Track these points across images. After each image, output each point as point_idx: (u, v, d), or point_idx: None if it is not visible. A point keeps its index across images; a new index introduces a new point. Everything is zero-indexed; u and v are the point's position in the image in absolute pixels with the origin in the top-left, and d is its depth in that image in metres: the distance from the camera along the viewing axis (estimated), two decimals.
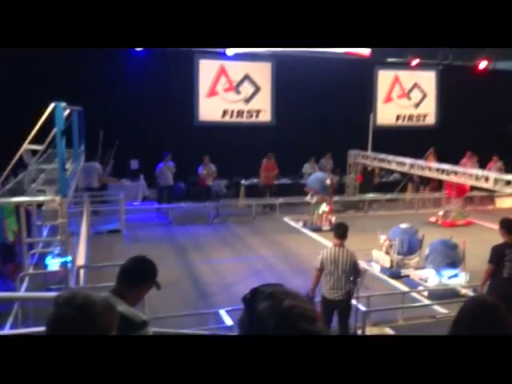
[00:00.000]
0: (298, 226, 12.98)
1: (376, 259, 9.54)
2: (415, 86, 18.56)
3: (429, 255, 8.58)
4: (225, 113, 16.51)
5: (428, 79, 18.67)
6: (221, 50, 15.41)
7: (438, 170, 11.81)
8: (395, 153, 13.80)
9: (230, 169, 14.89)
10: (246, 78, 16.60)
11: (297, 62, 15.44)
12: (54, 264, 7.53)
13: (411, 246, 9.28)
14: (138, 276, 3.01)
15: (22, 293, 6.14)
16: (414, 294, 8.06)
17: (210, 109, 16.33)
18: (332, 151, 16.11)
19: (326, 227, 12.24)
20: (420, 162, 12.60)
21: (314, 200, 12.82)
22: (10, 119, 12.87)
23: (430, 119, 18.85)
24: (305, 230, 12.55)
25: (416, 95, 18.63)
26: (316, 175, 13.26)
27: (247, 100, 16.71)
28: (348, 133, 15.77)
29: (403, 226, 9.54)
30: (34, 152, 7.35)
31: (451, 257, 8.34)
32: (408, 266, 9.28)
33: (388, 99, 18.34)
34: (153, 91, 14.98)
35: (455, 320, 2.23)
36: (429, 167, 12.13)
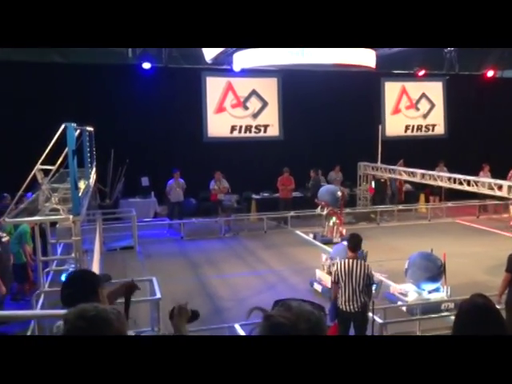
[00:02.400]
0: (310, 238, 12.93)
1: (319, 279, 8.96)
2: (423, 96, 18.58)
3: (408, 269, 8.10)
4: (233, 128, 16.62)
5: (435, 89, 18.68)
6: (227, 66, 15.56)
7: (449, 179, 11.76)
8: (405, 163, 13.79)
9: (241, 184, 14.91)
10: (253, 93, 16.73)
11: (303, 76, 15.53)
12: None
13: None
14: (88, 290, 2.60)
15: (38, 311, 6.16)
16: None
17: (219, 125, 16.44)
18: (341, 163, 16.12)
19: (336, 239, 12.17)
20: (431, 172, 12.55)
21: (325, 212, 12.72)
22: (21, 140, 13.08)
23: (440, 129, 18.81)
24: (317, 243, 12.49)
25: (424, 105, 18.64)
26: (327, 187, 13.16)
27: (255, 115, 16.81)
28: (357, 145, 15.81)
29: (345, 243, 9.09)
30: (46, 172, 7.43)
31: (431, 270, 7.81)
32: None
33: (396, 110, 18.36)
34: (161, 109, 15.14)
35: (455, 322, 2.38)
36: (441, 177, 12.07)
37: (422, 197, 16.42)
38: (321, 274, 8.95)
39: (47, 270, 8.12)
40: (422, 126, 18.72)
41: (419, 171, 12.92)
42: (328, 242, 12.27)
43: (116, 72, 15.34)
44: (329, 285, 8.39)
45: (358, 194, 15.68)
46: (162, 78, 15.36)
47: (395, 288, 8.46)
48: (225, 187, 14.15)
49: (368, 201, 15.45)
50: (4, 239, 7.73)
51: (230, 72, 15.75)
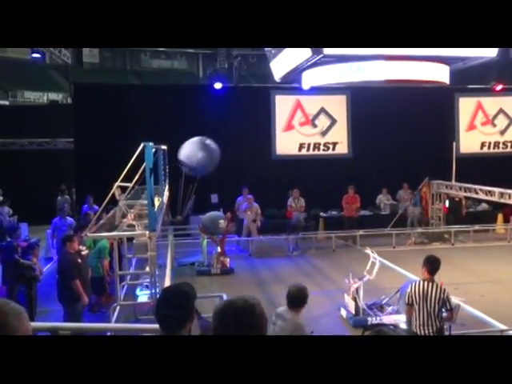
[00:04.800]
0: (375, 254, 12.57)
1: (346, 304, 8.54)
2: (500, 111, 17.76)
3: (399, 299, 7.58)
4: (301, 146, 16.63)
5: None
6: (296, 84, 15.66)
7: None
8: (481, 182, 13.19)
9: (308, 201, 14.83)
10: (322, 111, 16.70)
11: (372, 93, 15.35)
12: (143, 295, 7.84)
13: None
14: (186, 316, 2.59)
15: (114, 324, 6.40)
16: None
17: (287, 143, 16.52)
18: (412, 182, 15.65)
19: (216, 270, 11.29)
20: (510, 191, 11.89)
21: (204, 240, 11.78)
22: (101, 158, 13.79)
23: None
24: (389, 264, 12.05)
25: (501, 121, 17.80)
26: (211, 214, 11.86)
27: (323, 133, 16.75)
28: (429, 162, 15.33)
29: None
30: (123, 189, 7.77)
31: None
32: (384, 311, 8.18)
33: (471, 127, 17.65)
34: (231, 127, 15.42)
35: None
36: None
37: (501, 217, 15.58)
38: (347, 298, 8.53)
39: (123, 283, 8.44)
40: (499, 142, 17.86)
41: (497, 190, 12.29)
42: (205, 272, 11.32)
43: (188, 92, 15.87)
44: (353, 311, 8.21)
45: (431, 213, 15.13)
46: (232, 97, 15.68)
47: (388, 319, 7.96)
48: (302, 206, 14.17)
49: (441, 220, 14.87)
50: (83, 252, 8.12)
51: (298, 90, 15.82)
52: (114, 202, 7.82)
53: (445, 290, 5.83)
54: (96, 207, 12.44)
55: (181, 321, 2.53)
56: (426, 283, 5.82)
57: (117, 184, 6.72)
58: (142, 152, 6.57)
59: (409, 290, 5.92)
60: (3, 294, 7.71)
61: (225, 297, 7.15)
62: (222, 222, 11.39)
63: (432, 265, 5.86)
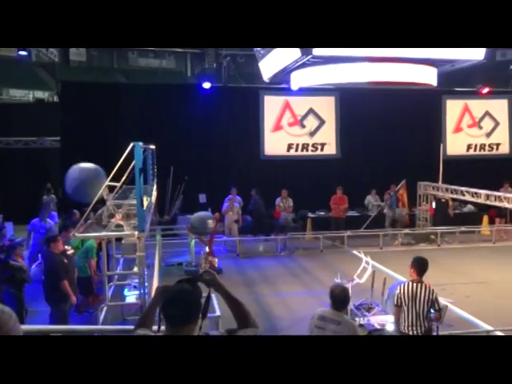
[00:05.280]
0: (367, 258, 12.63)
1: None
2: (486, 114, 17.96)
3: (387, 299, 7.68)
4: (290, 147, 16.65)
5: (500, 107, 18.02)
6: (285, 85, 15.68)
7: None
8: (467, 183, 13.33)
9: (296, 202, 14.86)
10: (311, 111, 16.73)
11: (360, 94, 15.43)
12: (131, 296, 7.78)
13: None
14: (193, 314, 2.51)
15: (104, 326, 6.35)
16: (500, 334, 7.54)
17: (275, 143, 16.52)
18: (399, 183, 15.76)
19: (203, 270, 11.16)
20: (496, 193, 12.03)
21: (192, 240, 11.74)
22: (87, 157, 13.63)
23: (504, 148, 18.08)
24: (377, 264, 12.11)
25: (487, 124, 18.01)
26: (200, 214, 11.79)
27: (312, 133, 16.79)
28: (416, 164, 15.45)
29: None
30: (111, 188, 7.69)
31: None
32: (371, 311, 8.27)
33: (457, 129, 17.83)
34: (220, 127, 15.40)
35: None
36: (507, 198, 11.55)
37: (486, 218, 15.75)
38: None
39: (110, 284, 8.37)
40: (485, 144, 18.07)
41: (483, 192, 12.42)
42: (193, 273, 10.94)
43: (176, 91, 15.80)
44: None
45: (418, 214, 15.25)
46: (221, 97, 15.65)
47: (375, 319, 8.02)
48: (290, 206, 14.18)
49: (428, 221, 14.99)
50: (69, 252, 8.02)
51: (287, 90, 15.85)
52: (101, 201, 7.77)
53: (433, 290, 5.88)
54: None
55: (189, 315, 2.46)
56: (414, 284, 5.85)
57: (106, 183, 6.66)
58: (130, 151, 6.51)
59: (398, 292, 5.95)
60: None
61: (213, 297, 7.11)
62: (210, 221, 11.33)
63: (421, 266, 5.90)
